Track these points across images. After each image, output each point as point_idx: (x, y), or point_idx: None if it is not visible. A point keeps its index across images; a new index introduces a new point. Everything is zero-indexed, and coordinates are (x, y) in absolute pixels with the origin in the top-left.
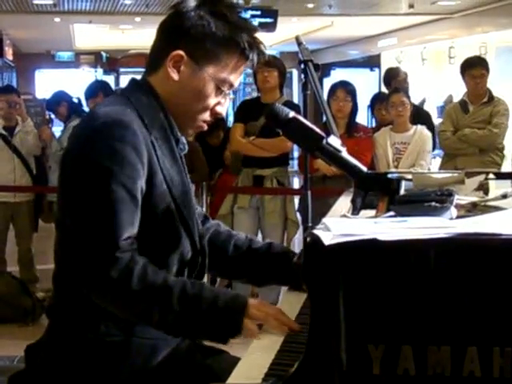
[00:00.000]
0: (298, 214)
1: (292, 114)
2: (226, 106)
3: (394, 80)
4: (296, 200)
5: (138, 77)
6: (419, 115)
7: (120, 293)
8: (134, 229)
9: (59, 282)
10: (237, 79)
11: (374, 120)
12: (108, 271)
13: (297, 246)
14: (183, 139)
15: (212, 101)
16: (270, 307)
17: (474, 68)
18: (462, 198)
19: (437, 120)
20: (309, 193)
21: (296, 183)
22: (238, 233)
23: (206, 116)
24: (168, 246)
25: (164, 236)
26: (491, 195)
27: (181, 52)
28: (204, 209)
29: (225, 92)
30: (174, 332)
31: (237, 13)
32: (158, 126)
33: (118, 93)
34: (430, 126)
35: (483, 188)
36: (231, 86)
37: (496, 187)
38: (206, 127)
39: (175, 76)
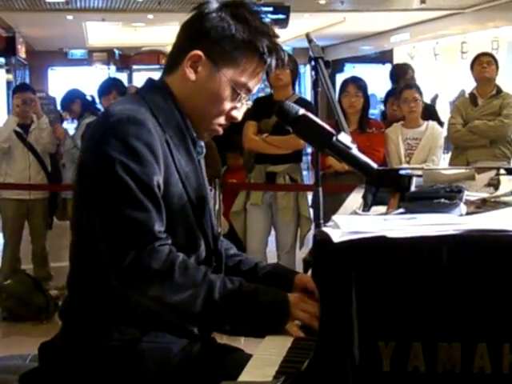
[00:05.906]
0: (311, 210)
1: (302, 111)
2: (242, 111)
3: (403, 78)
4: (309, 196)
5: (151, 74)
6: (428, 112)
7: (163, 284)
8: (163, 223)
9: (74, 285)
10: (254, 84)
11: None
12: (150, 263)
13: (310, 242)
14: (201, 142)
15: (228, 104)
16: (312, 306)
17: (483, 55)
18: (472, 195)
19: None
20: (320, 189)
21: (309, 179)
22: (229, 250)
23: (222, 120)
24: (183, 245)
25: (179, 235)
26: (501, 191)
27: (199, 52)
28: (217, 206)
29: (241, 96)
30: (212, 327)
31: (259, 18)
32: (174, 126)
33: (132, 92)
34: (438, 123)
35: (493, 184)
36: (248, 90)
37: (506, 183)
38: (221, 131)
39: (192, 76)
